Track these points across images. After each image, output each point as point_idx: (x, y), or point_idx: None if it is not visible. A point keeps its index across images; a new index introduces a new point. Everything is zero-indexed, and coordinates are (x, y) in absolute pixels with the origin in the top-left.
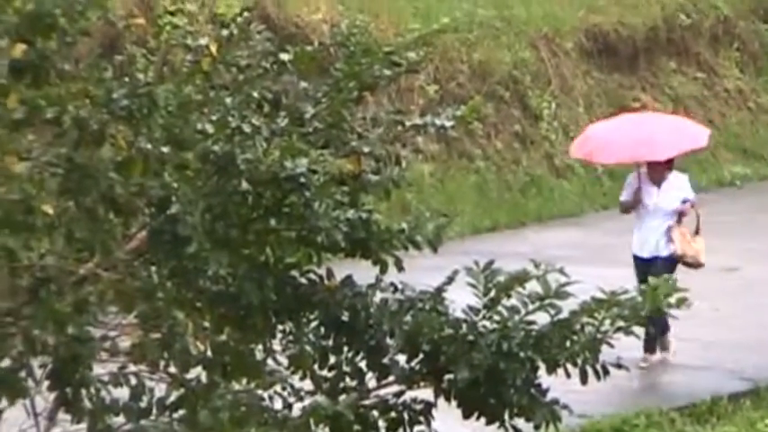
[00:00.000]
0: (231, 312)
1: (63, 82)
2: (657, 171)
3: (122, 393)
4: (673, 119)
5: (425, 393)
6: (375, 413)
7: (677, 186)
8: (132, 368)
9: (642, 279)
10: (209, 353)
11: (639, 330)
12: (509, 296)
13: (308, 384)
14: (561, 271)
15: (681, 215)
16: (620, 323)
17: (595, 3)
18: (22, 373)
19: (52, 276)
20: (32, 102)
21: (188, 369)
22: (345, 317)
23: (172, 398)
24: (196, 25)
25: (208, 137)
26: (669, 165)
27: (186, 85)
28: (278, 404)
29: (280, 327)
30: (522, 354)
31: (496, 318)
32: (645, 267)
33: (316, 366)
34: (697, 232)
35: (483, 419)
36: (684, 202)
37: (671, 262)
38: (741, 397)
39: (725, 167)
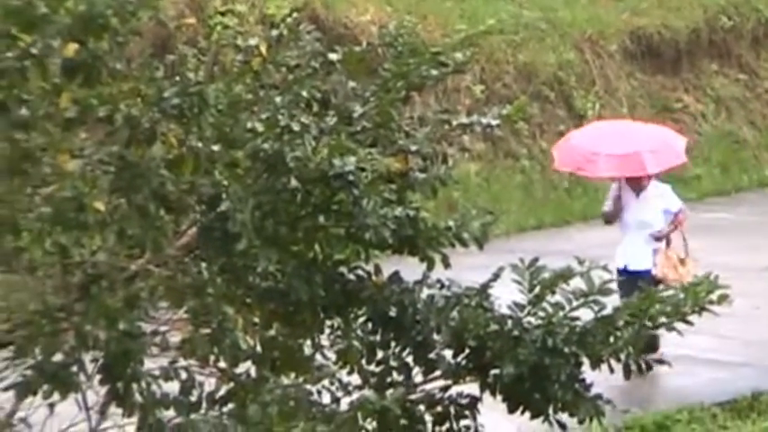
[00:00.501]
0: (280, 308)
1: (115, 81)
2: (637, 181)
3: (173, 388)
4: (655, 130)
5: (471, 388)
6: (422, 407)
7: (657, 196)
8: (182, 363)
9: (624, 293)
10: (258, 348)
11: (682, 326)
12: (553, 293)
13: (355, 379)
14: (605, 268)
15: (672, 228)
16: (663, 320)
17: (639, 5)
18: (74, 368)
19: (104, 273)
20: (84, 101)
21: (237, 364)
22: (393, 312)
23: (221, 392)
24: (246, 26)
25: (257, 135)
26: (650, 175)
27: (236, 85)
28: (326, 398)
29: (328, 322)
30: (566, 349)
31: (541, 314)
32: (627, 281)
33: (363, 361)
34: (683, 258)
35: (528, 414)
36: (667, 213)
37: (652, 277)
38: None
39: (767, 168)
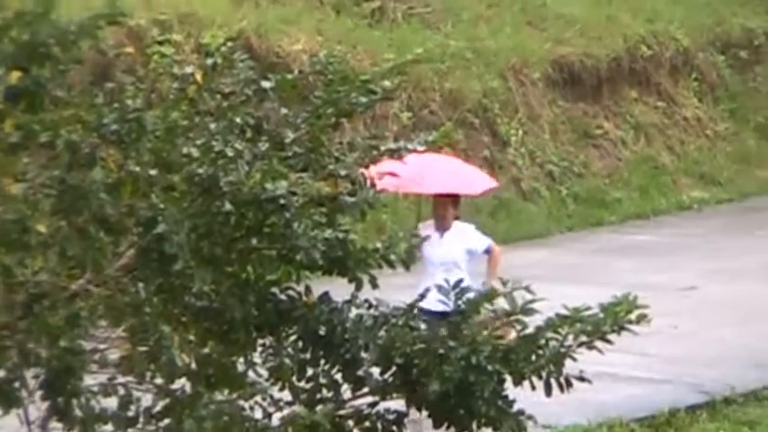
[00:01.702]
0: (215, 327)
1: (56, 108)
2: (442, 221)
3: (111, 403)
4: (456, 164)
5: (398, 404)
6: (350, 423)
7: (460, 235)
8: (121, 379)
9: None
10: (193, 365)
11: (602, 345)
12: (478, 312)
13: (286, 395)
14: (527, 289)
15: (493, 273)
16: (583, 338)
17: (561, 35)
18: (17, 384)
19: (46, 292)
20: (27, 126)
21: (174, 380)
22: (323, 331)
23: (158, 407)
24: (182, 54)
25: (193, 160)
26: (455, 214)
27: (173, 111)
28: (258, 414)
29: (261, 340)
30: (490, 367)
31: (466, 333)
32: (431, 322)
33: (294, 378)
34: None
35: (453, 429)
36: (472, 253)
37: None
38: (698, 409)
39: (684, 192)
